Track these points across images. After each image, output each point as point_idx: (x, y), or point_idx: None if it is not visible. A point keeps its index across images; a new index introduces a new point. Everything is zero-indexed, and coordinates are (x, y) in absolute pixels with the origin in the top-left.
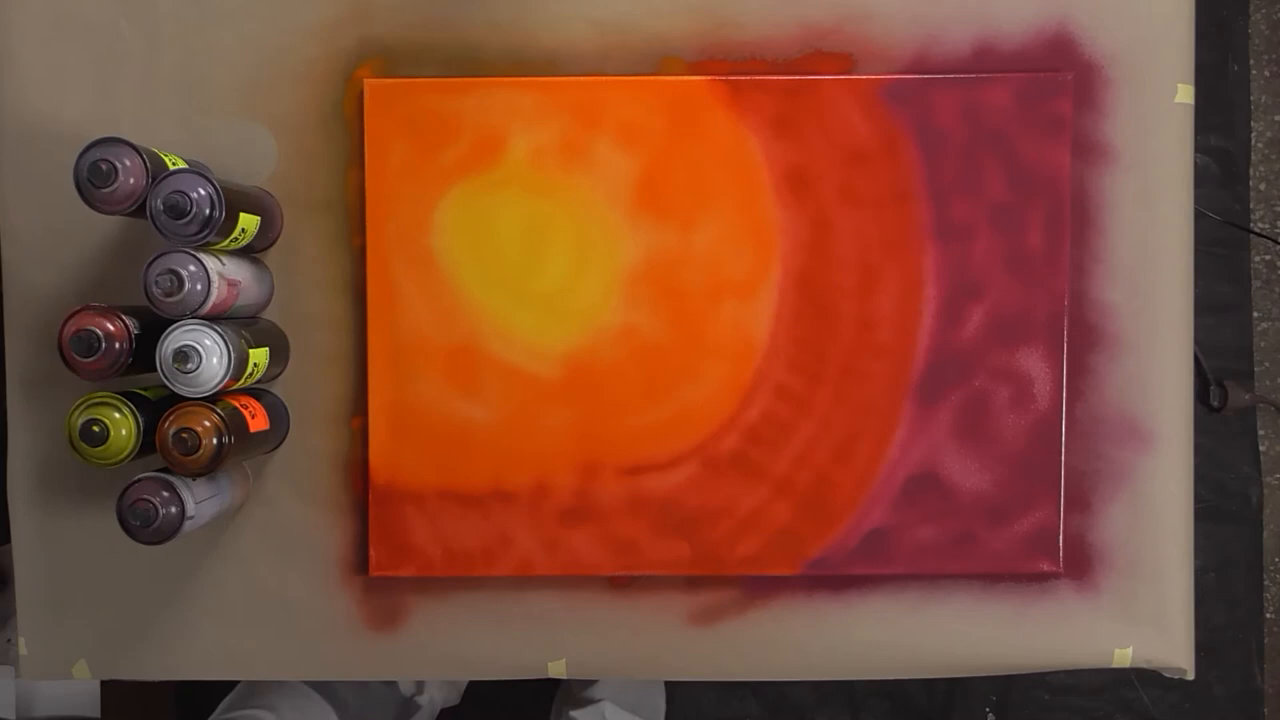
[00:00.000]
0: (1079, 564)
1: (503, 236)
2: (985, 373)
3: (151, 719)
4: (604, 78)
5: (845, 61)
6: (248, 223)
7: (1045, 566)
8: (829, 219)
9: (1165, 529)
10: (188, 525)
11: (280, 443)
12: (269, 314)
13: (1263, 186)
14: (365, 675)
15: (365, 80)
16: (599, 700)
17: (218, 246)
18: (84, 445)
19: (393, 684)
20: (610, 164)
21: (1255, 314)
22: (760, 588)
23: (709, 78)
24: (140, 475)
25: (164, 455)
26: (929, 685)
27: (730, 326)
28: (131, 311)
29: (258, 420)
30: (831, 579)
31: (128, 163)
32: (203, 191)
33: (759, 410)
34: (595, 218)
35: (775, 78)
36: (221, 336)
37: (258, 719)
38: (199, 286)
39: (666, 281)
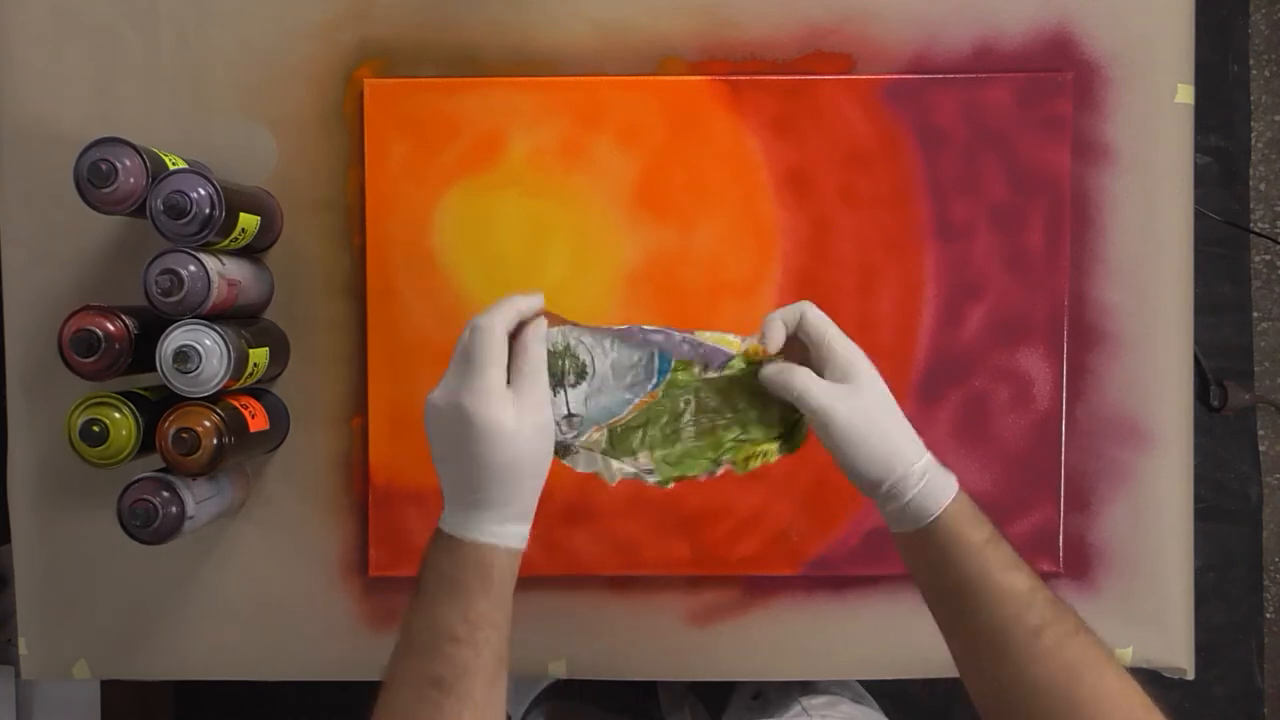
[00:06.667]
0: (1079, 564)
1: (503, 236)
2: (985, 373)
3: (151, 719)
4: (604, 78)
5: (845, 61)
6: (248, 223)
7: (1045, 566)
8: (829, 219)
9: (1165, 529)
10: (188, 525)
11: (280, 443)
12: (269, 314)
13: (1263, 186)
14: (365, 675)
15: (365, 80)
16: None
17: (218, 246)
18: (84, 445)
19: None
20: (610, 164)
21: (1255, 314)
22: (760, 588)
23: (709, 78)
24: (140, 475)
25: (164, 455)
26: (929, 685)
27: (730, 327)
28: (131, 311)
29: (258, 420)
30: (831, 579)
31: (128, 163)
32: (203, 191)
33: None
34: (595, 218)
35: (775, 78)
36: (221, 336)
37: None
38: (199, 286)
39: (666, 281)
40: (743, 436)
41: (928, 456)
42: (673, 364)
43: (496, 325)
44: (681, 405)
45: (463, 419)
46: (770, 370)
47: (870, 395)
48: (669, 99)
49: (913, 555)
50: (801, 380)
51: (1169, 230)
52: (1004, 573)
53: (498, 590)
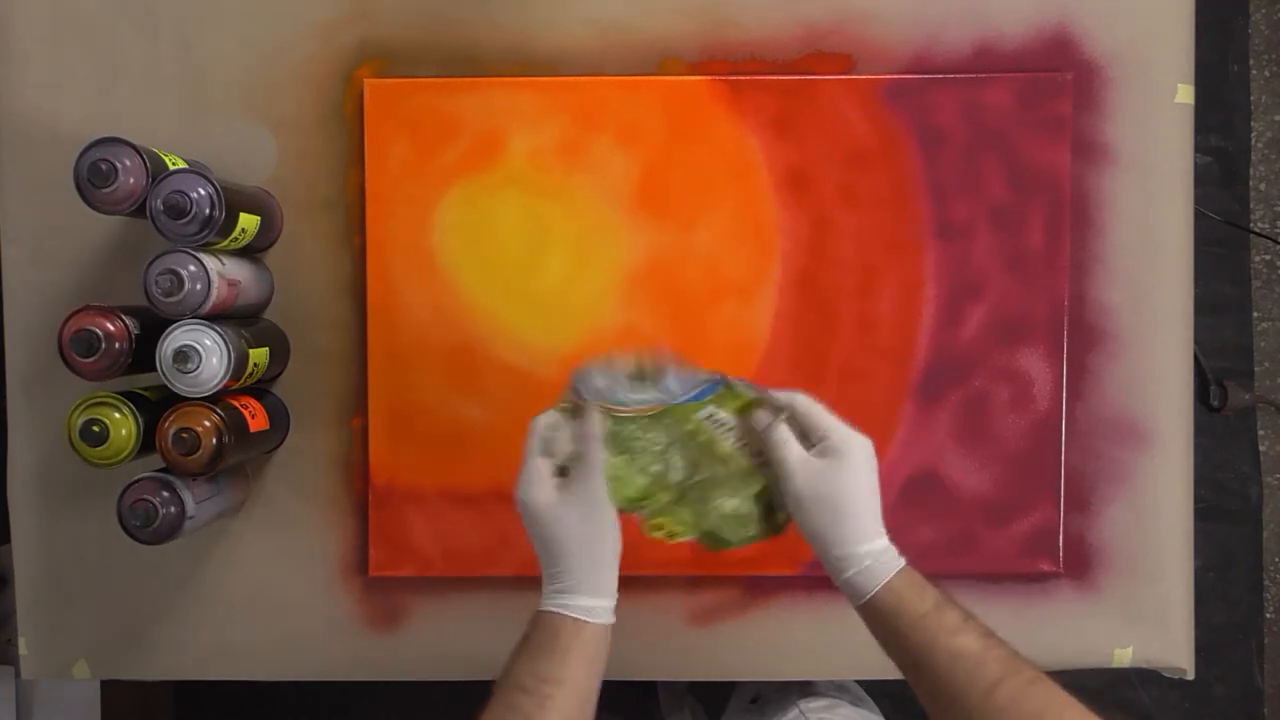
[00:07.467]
0: (1079, 564)
1: (503, 236)
2: (985, 373)
3: (151, 719)
4: (604, 78)
5: (845, 61)
6: (248, 223)
7: (1045, 566)
8: (829, 219)
9: (1165, 529)
10: (188, 525)
11: (280, 443)
12: (269, 314)
13: (1263, 186)
14: (365, 675)
15: (365, 80)
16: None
17: (218, 246)
18: (84, 445)
19: None
20: (610, 164)
21: (1255, 314)
22: (760, 588)
23: (709, 78)
24: (140, 475)
25: (164, 455)
26: None
27: (730, 326)
28: (131, 311)
29: (258, 420)
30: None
31: (128, 163)
32: (203, 191)
33: None
34: (595, 218)
35: (775, 78)
36: (221, 336)
37: None
38: (199, 286)
39: (666, 281)
40: (667, 506)
41: (883, 542)
42: (698, 400)
43: (540, 423)
44: (659, 442)
45: (519, 504)
46: (762, 416)
47: (847, 472)
48: (669, 99)
49: (868, 625)
50: (782, 435)
51: (1169, 230)
52: (951, 638)
53: (567, 655)
